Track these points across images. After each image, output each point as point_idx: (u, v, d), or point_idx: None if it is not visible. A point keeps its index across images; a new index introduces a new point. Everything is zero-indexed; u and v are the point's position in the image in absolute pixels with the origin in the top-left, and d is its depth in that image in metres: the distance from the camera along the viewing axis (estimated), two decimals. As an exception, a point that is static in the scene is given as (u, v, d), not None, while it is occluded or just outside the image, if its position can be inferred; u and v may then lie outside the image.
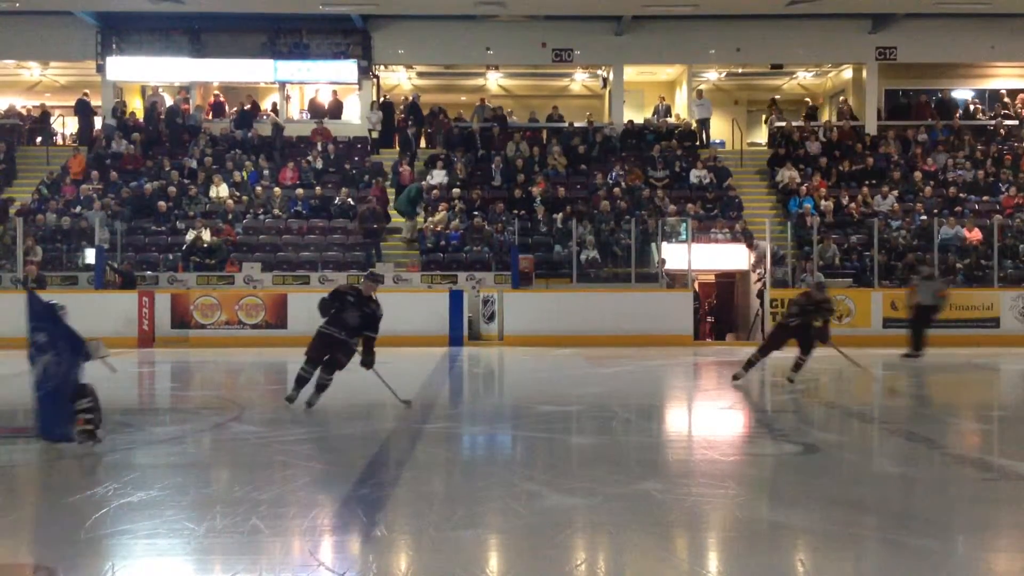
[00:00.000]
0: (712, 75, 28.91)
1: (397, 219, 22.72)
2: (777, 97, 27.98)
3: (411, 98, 26.58)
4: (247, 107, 26.37)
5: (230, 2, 24.92)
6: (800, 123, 26.55)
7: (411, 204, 22.55)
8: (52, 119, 27.38)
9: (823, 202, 22.58)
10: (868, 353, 17.71)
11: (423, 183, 23.11)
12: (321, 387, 10.49)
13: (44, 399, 8.13)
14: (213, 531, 5.68)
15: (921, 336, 16.49)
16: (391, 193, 23.45)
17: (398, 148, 25.34)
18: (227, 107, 27.17)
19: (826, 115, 28.77)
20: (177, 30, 26.27)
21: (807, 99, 28.98)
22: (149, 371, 15.91)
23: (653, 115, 26.80)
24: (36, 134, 26.93)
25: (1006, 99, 27.45)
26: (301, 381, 10.46)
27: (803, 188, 23.14)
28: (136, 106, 27.43)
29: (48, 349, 8.34)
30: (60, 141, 27.44)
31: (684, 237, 20.83)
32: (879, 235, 20.70)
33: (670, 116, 26.91)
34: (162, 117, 25.89)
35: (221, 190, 22.95)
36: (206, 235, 21.31)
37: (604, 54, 27.03)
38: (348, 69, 26.52)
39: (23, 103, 28.14)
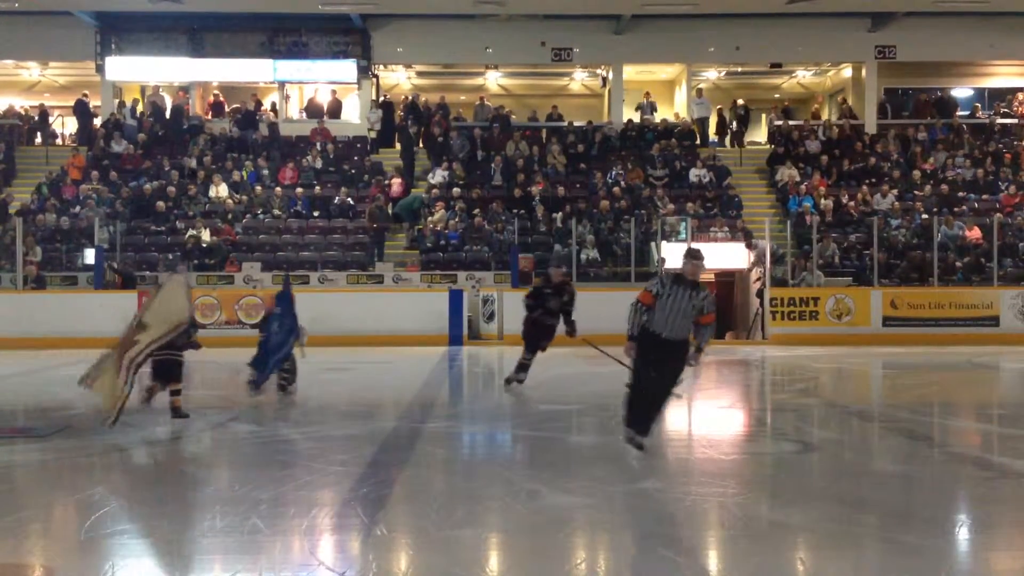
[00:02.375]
0: (711, 74, 28.91)
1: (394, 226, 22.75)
2: (740, 101, 27.79)
3: (410, 97, 26.58)
4: (251, 107, 26.38)
5: (229, 2, 24.92)
6: (799, 122, 26.60)
7: (412, 214, 22.55)
8: (51, 119, 27.35)
9: (823, 201, 22.57)
10: (869, 352, 17.75)
11: (427, 195, 23.00)
12: None
13: (268, 352, 11.08)
14: (213, 530, 5.68)
15: None
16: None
17: (400, 148, 25.25)
18: (226, 107, 27.16)
19: (825, 114, 28.77)
20: (176, 30, 26.25)
21: (786, 101, 28.91)
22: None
23: (636, 110, 26.73)
24: (35, 134, 26.88)
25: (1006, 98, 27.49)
26: None
27: (803, 187, 23.13)
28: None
29: (282, 321, 11.20)
30: (60, 141, 27.42)
31: (683, 236, 20.81)
32: (879, 234, 20.69)
33: (655, 112, 26.86)
34: (167, 116, 25.89)
35: (221, 190, 22.94)
36: (206, 235, 21.30)
37: (603, 53, 27.02)
38: (347, 69, 26.51)
39: (22, 103, 28.11)
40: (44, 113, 27.30)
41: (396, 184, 23.38)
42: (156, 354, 9.35)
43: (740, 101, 27.48)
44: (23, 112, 27.30)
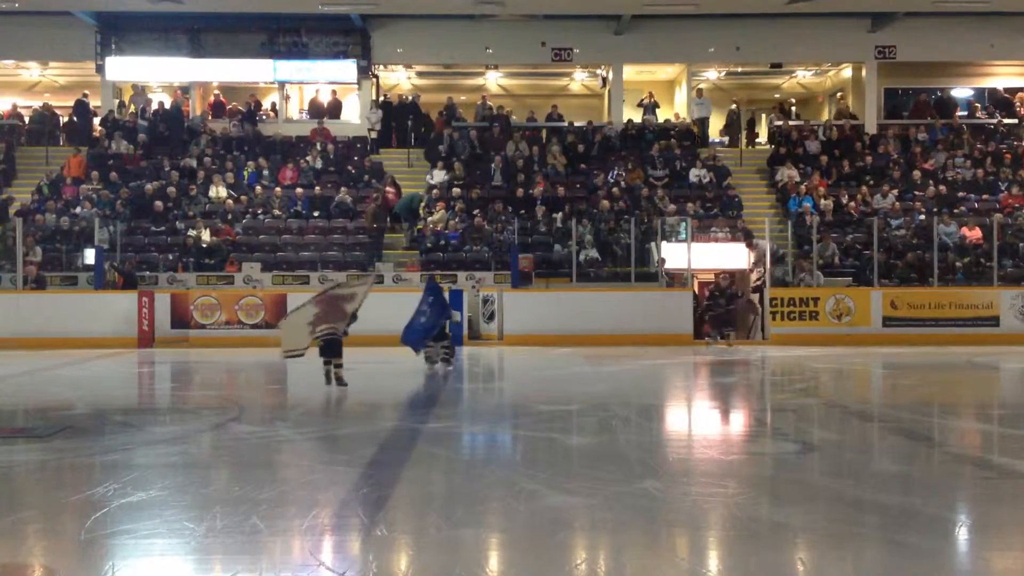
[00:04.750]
0: (712, 74, 28.92)
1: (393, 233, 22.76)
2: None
3: (410, 97, 26.62)
4: (251, 107, 26.40)
5: (229, 2, 24.92)
6: (799, 122, 26.61)
7: (412, 213, 22.57)
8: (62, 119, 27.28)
9: (823, 201, 22.57)
10: (869, 352, 17.74)
11: (427, 195, 23.01)
12: None
13: (419, 329, 14.17)
14: (213, 531, 5.67)
15: None
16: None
17: (422, 151, 25.23)
18: (227, 107, 27.15)
19: (825, 114, 28.76)
20: (176, 30, 26.27)
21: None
22: (149, 371, 15.91)
23: (638, 106, 26.75)
24: (42, 136, 26.71)
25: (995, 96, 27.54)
26: None
27: (803, 187, 23.14)
28: (135, 106, 27.41)
29: (431, 307, 14.19)
30: (59, 141, 27.37)
31: (684, 236, 20.82)
32: (879, 234, 20.69)
33: (657, 110, 26.87)
34: (159, 115, 25.87)
35: (221, 190, 22.94)
36: (206, 235, 21.30)
37: (603, 53, 27.03)
38: (347, 69, 26.52)
39: (24, 103, 28.05)
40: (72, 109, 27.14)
41: (391, 194, 23.15)
42: (327, 334, 11.82)
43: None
44: (48, 112, 27.03)
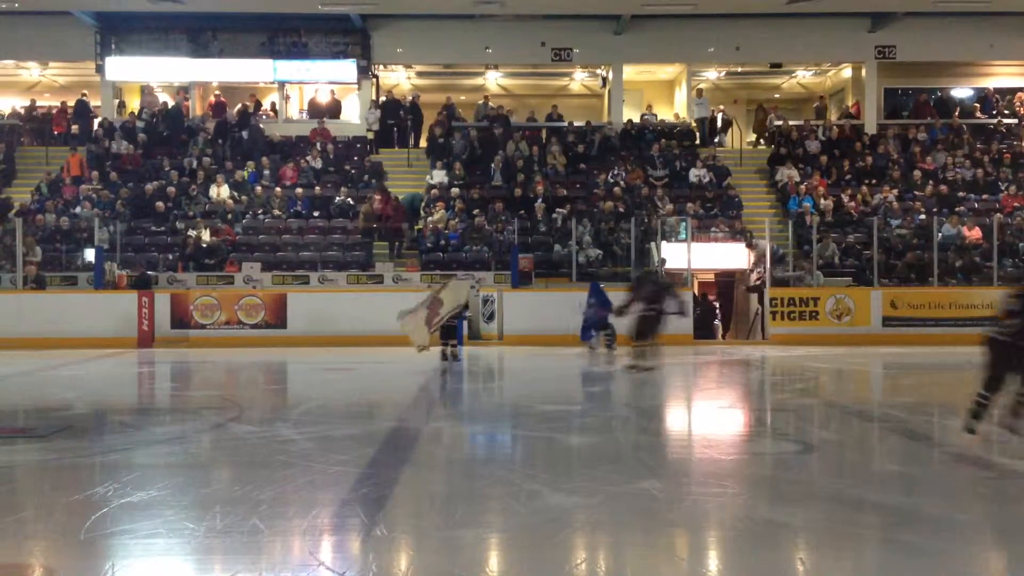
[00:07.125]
0: (712, 74, 28.90)
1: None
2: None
3: (410, 97, 26.62)
4: (252, 107, 26.42)
5: (229, 2, 24.92)
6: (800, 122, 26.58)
7: (413, 212, 22.55)
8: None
9: (823, 201, 22.57)
10: (869, 352, 17.75)
11: (431, 192, 23.01)
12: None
13: (585, 326, 17.36)
14: (213, 531, 5.67)
15: None
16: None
17: (423, 151, 25.22)
18: (228, 107, 27.15)
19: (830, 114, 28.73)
20: (176, 30, 26.26)
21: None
22: (149, 371, 15.91)
23: (641, 118, 26.72)
24: (48, 134, 26.69)
25: (999, 97, 27.51)
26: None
27: (803, 187, 23.14)
28: (134, 106, 27.42)
29: (593, 304, 17.10)
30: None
31: (683, 236, 20.81)
32: (879, 234, 20.69)
33: (655, 117, 26.86)
34: (162, 115, 25.87)
35: (222, 190, 22.93)
36: (206, 235, 21.29)
37: (603, 53, 27.02)
38: (347, 69, 26.52)
39: (24, 103, 28.02)
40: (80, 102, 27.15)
41: (377, 201, 22.88)
42: (447, 321, 15.17)
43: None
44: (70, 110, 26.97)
